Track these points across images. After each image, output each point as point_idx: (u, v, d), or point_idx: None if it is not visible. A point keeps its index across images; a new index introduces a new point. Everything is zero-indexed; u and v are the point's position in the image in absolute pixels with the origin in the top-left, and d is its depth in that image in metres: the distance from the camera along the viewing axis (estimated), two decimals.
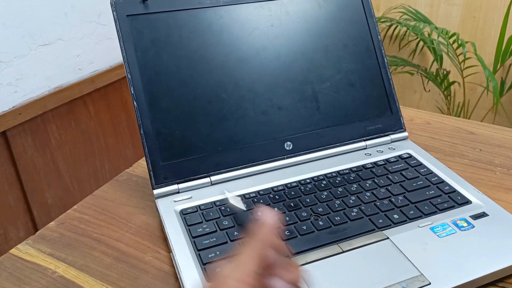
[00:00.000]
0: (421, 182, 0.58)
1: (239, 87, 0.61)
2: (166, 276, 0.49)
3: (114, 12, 0.58)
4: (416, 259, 0.46)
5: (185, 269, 0.46)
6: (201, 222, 0.52)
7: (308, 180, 0.59)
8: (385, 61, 0.69)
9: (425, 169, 0.61)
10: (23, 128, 1.21)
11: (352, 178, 0.60)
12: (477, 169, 0.66)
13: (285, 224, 0.30)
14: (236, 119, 0.61)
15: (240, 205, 0.34)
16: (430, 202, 0.55)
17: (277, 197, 0.56)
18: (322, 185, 0.58)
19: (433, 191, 0.56)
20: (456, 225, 0.51)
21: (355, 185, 0.58)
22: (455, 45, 1.79)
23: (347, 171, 0.61)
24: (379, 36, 0.69)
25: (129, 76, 0.57)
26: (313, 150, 0.64)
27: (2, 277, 0.50)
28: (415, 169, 0.61)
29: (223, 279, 0.30)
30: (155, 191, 0.57)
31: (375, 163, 0.62)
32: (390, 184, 0.58)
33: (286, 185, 0.58)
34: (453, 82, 1.90)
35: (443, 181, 0.58)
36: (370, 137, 0.67)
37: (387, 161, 0.63)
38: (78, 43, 1.32)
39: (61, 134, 1.32)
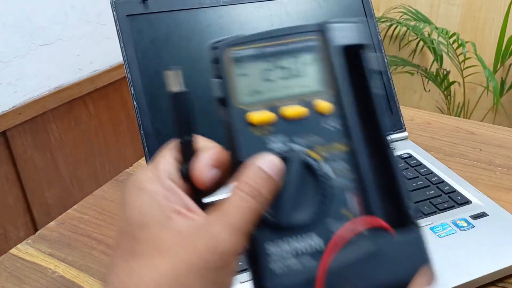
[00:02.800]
0: (421, 182, 0.58)
1: None
2: None
3: (114, 12, 0.58)
4: None
5: None
6: None
7: None
8: (385, 61, 0.69)
9: (425, 169, 0.61)
10: (23, 128, 1.21)
11: None
12: (477, 169, 0.66)
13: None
14: None
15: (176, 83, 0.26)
16: (430, 202, 0.55)
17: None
18: None
19: (433, 191, 0.56)
20: (456, 225, 0.51)
21: None
22: (455, 45, 1.79)
23: None
24: (379, 36, 0.69)
25: (129, 76, 0.57)
26: None
27: (2, 277, 0.50)
28: (415, 169, 0.61)
29: None
30: None
31: None
32: None
33: None
34: (453, 82, 1.90)
35: (443, 181, 0.58)
36: None
37: None
38: (78, 43, 1.32)
39: (61, 134, 1.32)
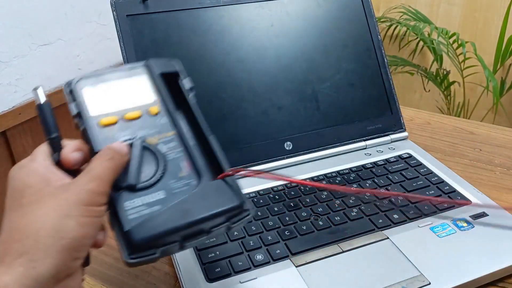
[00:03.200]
0: (421, 182, 0.58)
1: (239, 87, 0.61)
2: (166, 276, 0.49)
3: (114, 12, 0.58)
4: (416, 259, 0.46)
5: (185, 269, 0.46)
6: None
7: (307, 180, 0.59)
8: (385, 61, 0.69)
9: (425, 169, 0.61)
10: (23, 128, 1.21)
11: (352, 178, 0.60)
12: (477, 169, 0.66)
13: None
14: (236, 119, 0.61)
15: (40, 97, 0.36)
16: (430, 202, 0.55)
17: (277, 197, 0.56)
18: None
19: (433, 191, 0.56)
20: (456, 225, 0.51)
21: (355, 185, 0.58)
22: (455, 45, 1.79)
23: (347, 171, 0.61)
24: (379, 36, 0.69)
25: None
26: (313, 150, 0.64)
27: None
28: (415, 169, 0.61)
29: None
30: None
31: (375, 163, 0.62)
32: (390, 184, 0.58)
33: (286, 185, 0.58)
34: (453, 82, 1.90)
35: (443, 181, 0.58)
36: (370, 137, 0.67)
37: (387, 161, 0.63)
38: (78, 43, 1.32)
39: (61, 134, 1.32)
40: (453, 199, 0.55)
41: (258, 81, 0.62)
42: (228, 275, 0.45)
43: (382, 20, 1.99)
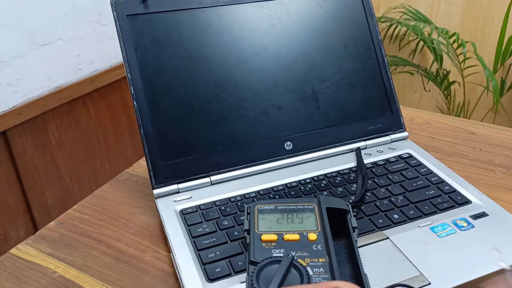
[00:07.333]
0: (421, 182, 0.58)
1: (239, 87, 0.61)
2: (166, 276, 0.49)
3: (114, 12, 0.58)
4: (416, 259, 0.46)
5: (185, 269, 0.46)
6: (201, 222, 0.52)
7: (308, 180, 0.59)
8: (385, 61, 0.69)
9: (425, 169, 0.61)
10: (23, 128, 1.21)
11: (352, 178, 0.60)
12: (477, 169, 0.66)
13: None
14: (236, 119, 0.61)
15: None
16: (430, 202, 0.55)
17: (277, 197, 0.56)
18: (322, 185, 0.58)
19: (433, 191, 0.56)
20: (456, 225, 0.51)
21: (355, 185, 0.58)
22: (455, 45, 1.79)
23: (347, 171, 0.61)
24: (379, 36, 0.69)
25: (129, 76, 0.57)
26: (313, 150, 0.64)
27: (2, 277, 0.50)
28: (415, 169, 0.61)
29: None
30: (155, 191, 0.57)
31: (375, 163, 0.62)
32: (390, 184, 0.58)
33: (286, 185, 0.58)
34: (453, 82, 1.90)
35: (443, 181, 0.58)
36: (370, 137, 0.67)
37: (387, 161, 0.63)
38: (78, 43, 1.32)
39: (61, 134, 1.32)
40: (453, 199, 0.55)
41: (258, 81, 0.62)
42: (228, 275, 0.45)
43: (382, 20, 1.99)
